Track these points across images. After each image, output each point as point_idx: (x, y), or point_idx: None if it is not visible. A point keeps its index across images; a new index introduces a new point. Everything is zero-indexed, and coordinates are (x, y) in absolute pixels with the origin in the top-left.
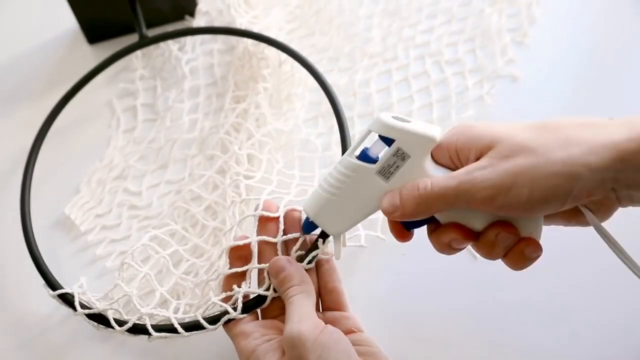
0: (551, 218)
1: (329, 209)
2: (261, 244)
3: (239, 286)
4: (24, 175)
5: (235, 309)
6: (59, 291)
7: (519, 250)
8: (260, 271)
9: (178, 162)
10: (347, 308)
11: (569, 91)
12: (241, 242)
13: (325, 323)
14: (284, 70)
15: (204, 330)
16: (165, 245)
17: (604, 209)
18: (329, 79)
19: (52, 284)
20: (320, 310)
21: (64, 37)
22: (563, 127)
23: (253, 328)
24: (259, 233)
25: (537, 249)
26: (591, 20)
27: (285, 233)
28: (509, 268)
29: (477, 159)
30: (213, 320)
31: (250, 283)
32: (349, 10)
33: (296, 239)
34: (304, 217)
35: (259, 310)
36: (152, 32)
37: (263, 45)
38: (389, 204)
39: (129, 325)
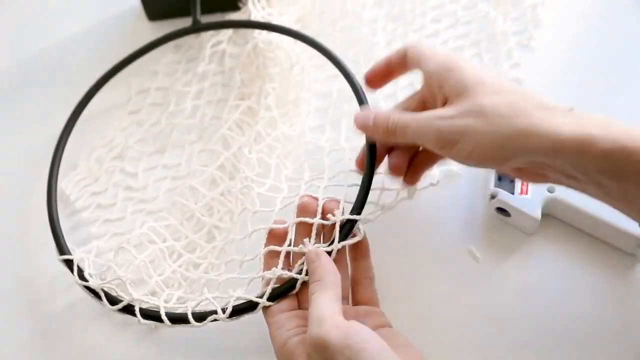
0: (508, 171)
1: None
2: (298, 229)
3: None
4: (57, 144)
5: (224, 310)
6: (64, 257)
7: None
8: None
9: (176, 147)
10: (377, 303)
11: (575, 94)
12: (280, 226)
13: (357, 316)
14: (294, 73)
15: (189, 325)
16: (161, 238)
17: (536, 178)
18: (335, 85)
19: (61, 248)
20: (351, 304)
21: (128, 12)
22: (528, 101)
23: (287, 319)
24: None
25: None
26: (597, 22)
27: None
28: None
29: (445, 99)
30: (200, 317)
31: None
32: (352, 13)
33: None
34: None
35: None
36: (206, 19)
37: (274, 45)
38: (362, 122)
39: (120, 306)
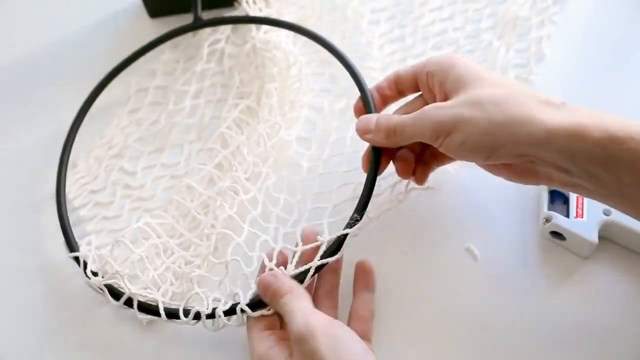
0: (498, 170)
1: None
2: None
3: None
4: (63, 148)
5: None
6: (73, 254)
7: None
8: None
9: (175, 146)
10: (370, 340)
11: None
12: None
13: None
14: (290, 74)
15: (180, 322)
16: (155, 234)
17: (527, 176)
18: (326, 99)
19: (70, 245)
20: None
21: (128, 10)
22: (524, 94)
23: (268, 335)
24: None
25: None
26: (602, 60)
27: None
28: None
29: (446, 97)
30: (188, 313)
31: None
32: (352, 21)
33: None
34: None
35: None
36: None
37: (272, 44)
38: (363, 127)
39: (122, 301)
